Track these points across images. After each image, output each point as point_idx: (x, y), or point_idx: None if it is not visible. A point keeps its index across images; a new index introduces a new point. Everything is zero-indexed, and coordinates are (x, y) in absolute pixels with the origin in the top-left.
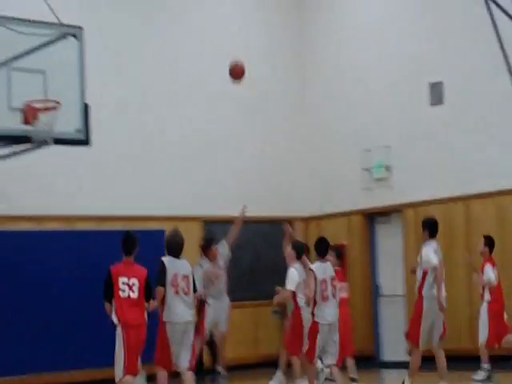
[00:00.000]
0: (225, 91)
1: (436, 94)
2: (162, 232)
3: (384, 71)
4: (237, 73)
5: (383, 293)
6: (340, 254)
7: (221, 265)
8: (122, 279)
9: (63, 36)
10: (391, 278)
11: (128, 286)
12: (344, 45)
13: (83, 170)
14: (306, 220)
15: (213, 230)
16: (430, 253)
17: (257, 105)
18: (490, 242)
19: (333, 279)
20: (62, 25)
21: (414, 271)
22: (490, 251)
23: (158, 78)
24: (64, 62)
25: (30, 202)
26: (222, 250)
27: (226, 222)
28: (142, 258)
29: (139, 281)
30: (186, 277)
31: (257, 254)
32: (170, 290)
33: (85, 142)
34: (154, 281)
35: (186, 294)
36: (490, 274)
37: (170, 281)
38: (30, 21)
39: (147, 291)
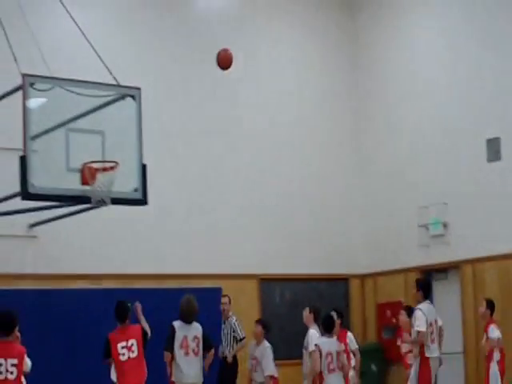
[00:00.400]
0: (281, 153)
1: (493, 150)
2: (218, 290)
3: (441, 128)
4: (224, 61)
5: (441, 350)
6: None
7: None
8: (121, 344)
9: (121, 97)
10: (449, 335)
11: (127, 348)
12: (400, 101)
13: (140, 229)
14: (363, 277)
15: (268, 288)
16: (422, 319)
17: (312, 163)
18: (491, 305)
19: (339, 353)
20: (120, 86)
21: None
22: (491, 314)
23: (217, 137)
24: (122, 123)
25: (87, 260)
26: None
27: (282, 280)
28: (199, 314)
29: (137, 340)
30: (196, 338)
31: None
32: (179, 352)
33: (142, 201)
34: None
35: (195, 354)
36: (496, 332)
37: (180, 343)
38: (88, 82)
39: (145, 343)
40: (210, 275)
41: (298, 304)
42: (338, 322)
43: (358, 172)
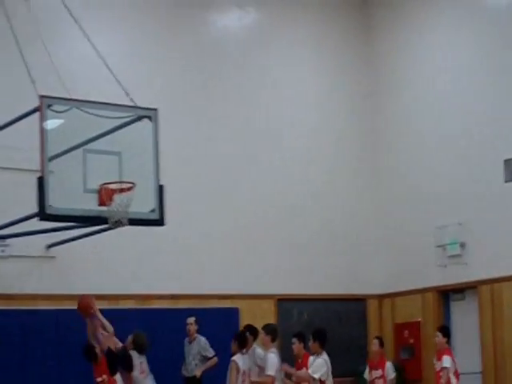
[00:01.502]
0: (298, 172)
1: (510, 170)
2: (235, 310)
3: (458, 148)
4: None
5: (459, 371)
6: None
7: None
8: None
9: (138, 118)
10: (467, 355)
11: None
12: (416, 123)
13: (156, 250)
14: (380, 297)
15: (286, 308)
16: (322, 365)
17: (329, 185)
18: (382, 342)
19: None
20: (136, 107)
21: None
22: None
23: (232, 158)
24: (139, 144)
25: (105, 280)
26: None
27: (299, 300)
28: (216, 335)
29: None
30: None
31: (330, 331)
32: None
33: (159, 222)
34: None
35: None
36: (390, 371)
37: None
38: (105, 104)
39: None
40: (227, 295)
41: (316, 324)
42: (299, 345)
43: (376, 193)
